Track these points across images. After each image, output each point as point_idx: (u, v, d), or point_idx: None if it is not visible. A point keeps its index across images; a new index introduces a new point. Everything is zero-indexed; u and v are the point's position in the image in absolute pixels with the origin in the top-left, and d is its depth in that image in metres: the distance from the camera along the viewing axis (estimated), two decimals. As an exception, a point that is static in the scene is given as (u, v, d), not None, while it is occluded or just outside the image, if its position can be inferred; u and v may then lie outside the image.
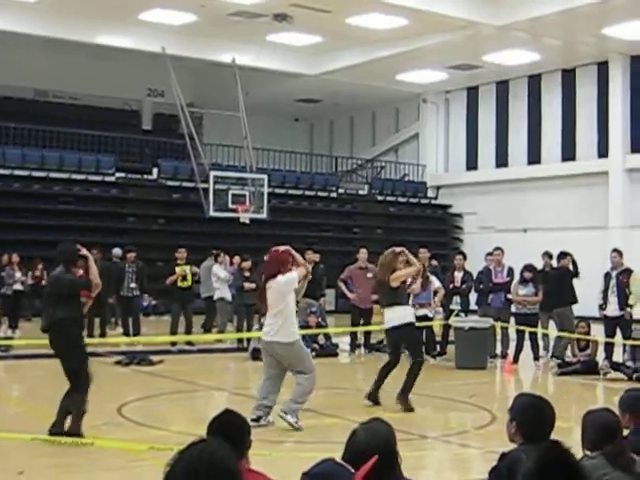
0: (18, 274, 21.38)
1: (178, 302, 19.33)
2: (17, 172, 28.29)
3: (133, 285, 19.65)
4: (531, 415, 4.69)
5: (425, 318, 17.03)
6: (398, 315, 12.09)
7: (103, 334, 19.96)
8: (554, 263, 18.37)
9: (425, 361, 17.12)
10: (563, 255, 18.17)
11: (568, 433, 5.34)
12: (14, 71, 31.94)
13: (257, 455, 4.75)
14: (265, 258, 11.15)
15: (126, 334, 19.45)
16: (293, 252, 10.78)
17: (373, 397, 11.93)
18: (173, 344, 18.72)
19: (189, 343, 18.97)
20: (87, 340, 18.54)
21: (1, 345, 17.11)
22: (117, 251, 22.55)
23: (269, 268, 10.73)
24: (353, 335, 19.36)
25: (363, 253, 19.12)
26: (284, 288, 10.40)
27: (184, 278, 19.24)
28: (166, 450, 6.76)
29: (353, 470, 3.60)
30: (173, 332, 18.98)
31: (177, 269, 19.33)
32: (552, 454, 3.32)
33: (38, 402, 12.42)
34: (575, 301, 17.72)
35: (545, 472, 3.23)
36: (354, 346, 19.23)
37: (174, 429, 9.79)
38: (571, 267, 17.99)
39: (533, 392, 5.24)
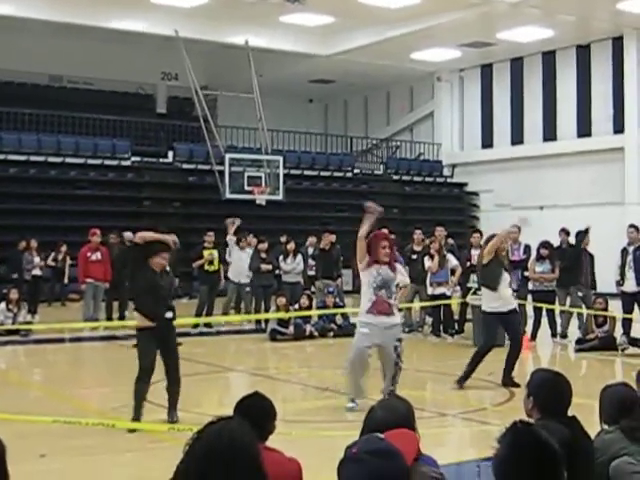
0: (37, 259, 21.62)
1: (206, 285, 19.40)
2: (33, 158, 28.37)
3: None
4: (548, 390, 4.71)
5: (443, 296, 17.22)
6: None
7: (122, 317, 20.02)
8: (571, 240, 18.33)
9: (442, 339, 17.38)
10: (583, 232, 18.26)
11: (586, 408, 5.34)
12: (28, 57, 32.00)
13: (278, 434, 4.79)
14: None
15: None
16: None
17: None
18: (195, 326, 18.76)
19: (208, 325, 19.02)
20: (106, 324, 18.87)
21: (21, 330, 17.22)
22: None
23: None
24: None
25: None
26: None
27: (211, 262, 19.28)
28: (186, 431, 6.81)
29: None
30: (198, 314, 19.00)
31: (205, 253, 19.37)
32: (523, 436, 3.30)
33: (58, 385, 12.53)
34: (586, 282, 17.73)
35: (518, 455, 3.23)
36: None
37: (194, 410, 9.84)
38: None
39: (550, 368, 5.26)
